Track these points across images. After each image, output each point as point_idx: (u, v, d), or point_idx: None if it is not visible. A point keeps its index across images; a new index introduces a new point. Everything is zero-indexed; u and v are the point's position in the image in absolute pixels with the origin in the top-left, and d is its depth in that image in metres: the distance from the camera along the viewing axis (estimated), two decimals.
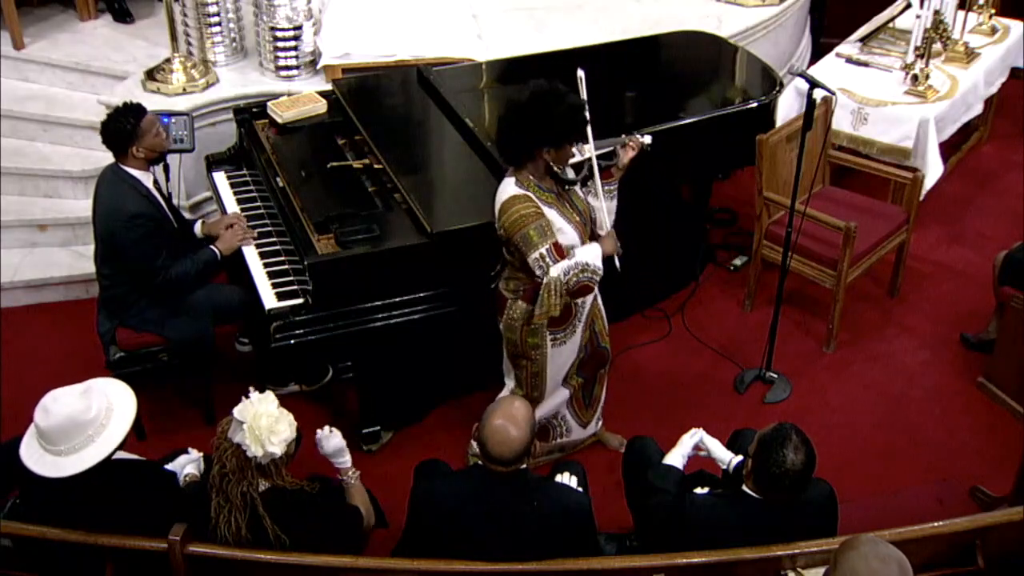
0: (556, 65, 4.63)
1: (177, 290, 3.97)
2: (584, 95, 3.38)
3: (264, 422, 2.77)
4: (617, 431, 4.16)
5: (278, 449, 2.80)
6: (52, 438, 2.81)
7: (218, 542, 2.88)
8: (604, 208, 3.57)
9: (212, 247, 4.04)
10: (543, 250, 3.35)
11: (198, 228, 4.20)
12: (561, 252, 3.38)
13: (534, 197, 3.38)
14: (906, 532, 2.89)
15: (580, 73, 3.40)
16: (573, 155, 3.44)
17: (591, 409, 4.00)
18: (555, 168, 3.42)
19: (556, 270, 3.37)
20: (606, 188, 3.56)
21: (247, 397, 2.85)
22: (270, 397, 2.85)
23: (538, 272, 3.39)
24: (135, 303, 3.98)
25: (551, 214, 3.40)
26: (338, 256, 3.73)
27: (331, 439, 3.17)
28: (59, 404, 2.83)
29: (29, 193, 5.18)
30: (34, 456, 2.85)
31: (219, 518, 2.86)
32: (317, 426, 3.18)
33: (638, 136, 3.65)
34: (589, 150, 3.46)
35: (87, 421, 2.83)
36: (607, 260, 3.48)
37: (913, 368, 4.62)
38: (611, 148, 3.63)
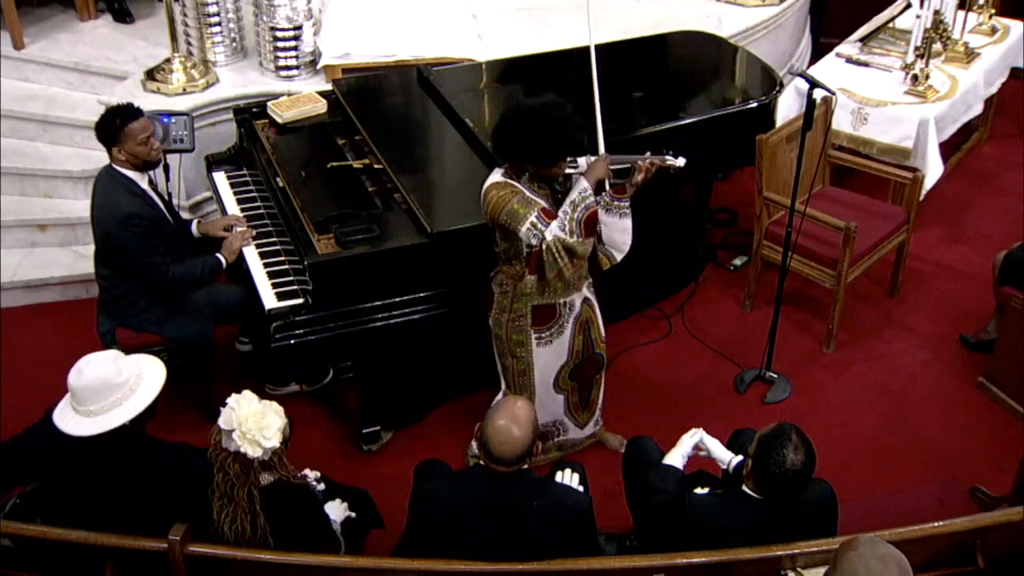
0: (556, 65, 4.65)
1: (178, 291, 3.97)
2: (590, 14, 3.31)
3: (252, 423, 2.77)
4: (617, 431, 4.16)
5: (275, 441, 2.81)
6: (83, 398, 2.92)
7: (220, 541, 2.89)
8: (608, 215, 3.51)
9: (218, 255, 4.03)
10: (532, 218, 3.33)
11: (194, 228, 4.20)
12: (551, 215, 3.37)
13: (520, 187, 3.38)
14: (906, 532, 2.89)
15: None
16: (564, 170, 3.40)
17: (587, 411, 4.00)
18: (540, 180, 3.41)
19: (551, 232, 3.34)
20: (616, 203, 3.47)
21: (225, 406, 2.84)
22: (247, 395, 2.85)
23: (533, 242, 3.37)
24: (135, 303, 3.98)
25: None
26: (338, 256, 3.73)
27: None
28: (92, 366, 2.96)
29: (29, 193, 5.18)
30: (65, 417, 2.96)
31: (222, 519, 2.86)
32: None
33: (670, 159, 3.49)
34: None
35: (117, 384, 2.94)
36: (600, 185, 3.41)
37: (913, 368, 4.62)
38: (628, 165, 3.49)
